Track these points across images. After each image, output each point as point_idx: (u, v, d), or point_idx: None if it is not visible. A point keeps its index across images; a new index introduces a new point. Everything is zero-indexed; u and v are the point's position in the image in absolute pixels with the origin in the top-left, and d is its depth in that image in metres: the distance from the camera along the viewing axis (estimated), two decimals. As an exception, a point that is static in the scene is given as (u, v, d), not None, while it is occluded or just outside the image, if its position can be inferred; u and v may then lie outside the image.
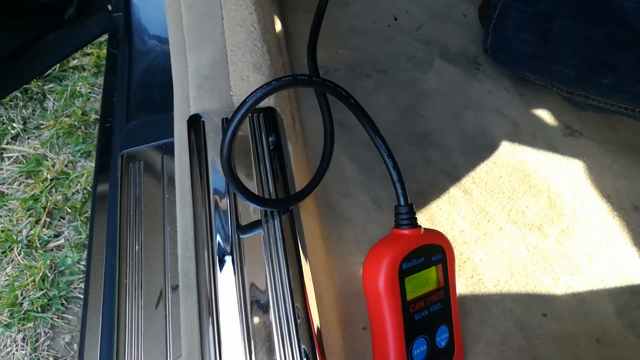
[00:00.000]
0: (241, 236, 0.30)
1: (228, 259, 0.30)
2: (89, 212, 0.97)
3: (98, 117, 1.12)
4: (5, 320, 0.88)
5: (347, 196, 0.45)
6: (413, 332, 0.32)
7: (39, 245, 0.95)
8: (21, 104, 1.15)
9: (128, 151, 0.46)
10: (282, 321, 0.28)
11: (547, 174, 0.49)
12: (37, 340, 0.88)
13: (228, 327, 0.28)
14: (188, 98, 0.36)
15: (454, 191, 0.47)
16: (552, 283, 0.42)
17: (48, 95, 1.16)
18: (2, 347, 0.87)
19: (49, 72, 1.17)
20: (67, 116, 1.12)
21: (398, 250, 0.32)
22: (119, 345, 0.36)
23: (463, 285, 0.41)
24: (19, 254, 0.94)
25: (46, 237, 0.97)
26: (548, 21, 0.48)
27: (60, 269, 0.94)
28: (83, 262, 0.94)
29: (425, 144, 0.50)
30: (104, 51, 1.21)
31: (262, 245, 0.30)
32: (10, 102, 1.15)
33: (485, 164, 0.49)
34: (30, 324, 0.88)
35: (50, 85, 1.18)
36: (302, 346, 0.27)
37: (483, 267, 0.42)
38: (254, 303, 0.28)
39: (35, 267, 0.92)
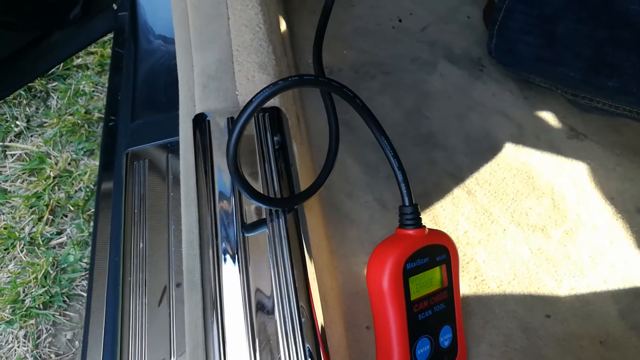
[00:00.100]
0: (246, 235, 0.30)
1: (233, 257, 0.30)
2: (92, 210, 0.98)
3: (101, 115, 1.12)
4: (7, 316, 0.88)
5: (352, 196, 0.45)
6: (416, 331, 0.32)
7: (41, 243, 0.96)
8: (25, 102, 1.15)
9: (133, 149, 0.46)
10: (287, 320, 0.28)
11: (551, 175, 0.49)
12: (38, 337, 0.88)
13: (232, 325, 0.28)
14: (193, 97, 0.37)
15: (458, 192, 0.47)
16: (556, 284, 0.42)
17: (52, 94, 1.17)
18: (3, 344, 0.87)
19: (52, 70, 1.17)
20: (71, 114, 1.12)
21: (402, 250, 0.32)
22: (123, 342, 0.36)
23: (466, 286, 0.41)
24: (22, 251, 0.95)
25: (49, 235, 0.97)
26: (553, 24, 0.48)
27: (63, 266, 0.94)
28: (85, 260, 0.94)
29: (430, 145, 0.50)
30: (108, 50, 1.21)
31: (266, 244, 0.30)
32: (14, 100, 1.15)
33: (489, 165, 0.49)
34: (32, 321, 0.88)
35: (53, 84, 1.18)
36: (306, 345, 0.27)
37: (486, 268, 0.42)
38: (258, 301, 0.28)
39: (38, 264, 0.92)
